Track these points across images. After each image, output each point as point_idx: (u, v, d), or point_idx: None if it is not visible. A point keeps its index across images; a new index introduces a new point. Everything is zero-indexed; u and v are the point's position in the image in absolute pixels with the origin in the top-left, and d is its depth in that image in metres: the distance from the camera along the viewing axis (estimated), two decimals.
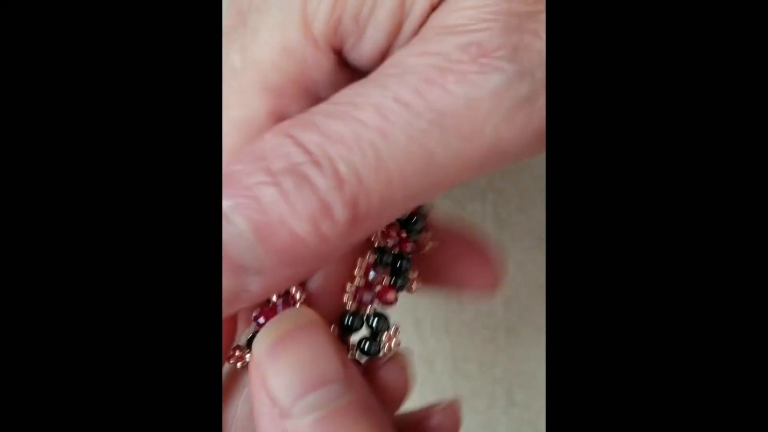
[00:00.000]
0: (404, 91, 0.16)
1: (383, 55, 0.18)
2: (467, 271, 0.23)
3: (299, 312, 0.18)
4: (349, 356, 0.20)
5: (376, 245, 0.20)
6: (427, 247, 0.22)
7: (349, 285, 0.19)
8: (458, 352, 0.34)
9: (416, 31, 0.17)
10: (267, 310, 0.19)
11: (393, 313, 0.33)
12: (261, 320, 0.19)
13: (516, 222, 0.33)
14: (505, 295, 0.34)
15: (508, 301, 0.34)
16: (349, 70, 0.19)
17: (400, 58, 0.16)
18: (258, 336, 0.18)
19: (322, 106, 0.16)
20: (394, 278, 0.21)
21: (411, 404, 0.34)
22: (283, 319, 0.18)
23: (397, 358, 0.21)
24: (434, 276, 0.23)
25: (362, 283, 0.20)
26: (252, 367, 0.17)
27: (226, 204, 0.16)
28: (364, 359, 0.20)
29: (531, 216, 0.33)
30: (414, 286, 0.21)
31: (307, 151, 0.16)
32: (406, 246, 0.21)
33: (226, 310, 0.17)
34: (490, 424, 0.34)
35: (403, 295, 0.21)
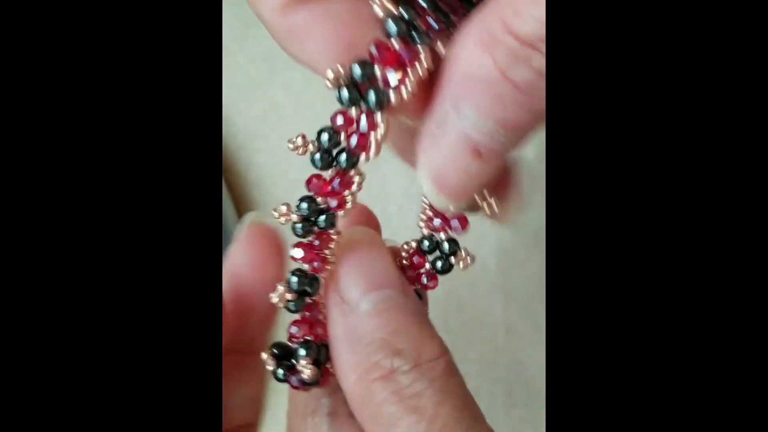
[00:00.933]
0: None
1: None
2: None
3: (363, 229, 0.21)
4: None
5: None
6: None
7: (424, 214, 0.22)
8: (458, 352, 0.34)
9: None
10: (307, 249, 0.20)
11: None
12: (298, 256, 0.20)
13: (516, 222, 0.33)
14: (505, 295, 0.34)
15: (508, 301, 0.34)
16: None
17: None
18: (334, 245, 0.20)
19: None
20: None
21: None
22: (352, 232, 0.21)
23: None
24: None
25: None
26: (327, 275, 0.20)
27: (470, 110, 0.18)
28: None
29: (531, 216, 0.33)
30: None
31: (532, 46, 0.17)
32: None
33: (493, 167, 0.19)
34: (490, 424, 0.34)
35: None
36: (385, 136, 0.20)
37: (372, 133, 0.20)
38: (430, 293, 0.23)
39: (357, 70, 0.19)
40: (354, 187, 0.20)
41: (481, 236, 0.34)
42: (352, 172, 0.20)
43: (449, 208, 0.20)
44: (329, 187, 0.20)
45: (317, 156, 0.20)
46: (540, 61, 0.17)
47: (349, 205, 0.20)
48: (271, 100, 0.35)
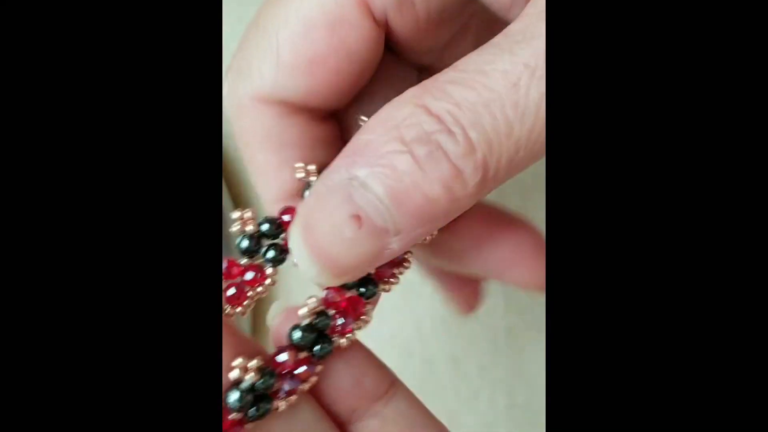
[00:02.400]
0: (531, 56, 0.16)
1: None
2: (503, 258, 0.22)
3: None
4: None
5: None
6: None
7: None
8: (458, 352, 0.34)
9: None
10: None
11: (393, 314, 0.33)
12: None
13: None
14: (505, 295, 0.34)
15: (508, 301, 0.34)
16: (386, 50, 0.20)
17: (524, 22, 0.17)
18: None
19: (450, 74, 0.17)
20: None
21: None
22: None
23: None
24: (456, 259, 0.22)
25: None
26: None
27: (363, 172, 0.17)
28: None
29: (531, 216, 0.33)
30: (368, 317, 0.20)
31: (439, 120, 0.17)
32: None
33: (370, 268, 0.18)
34: (490, 424, 0.34)
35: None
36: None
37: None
38: (430, 292, 0.22)
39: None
40: (260, 288, 0.19)
41: None
42: (269, 271, 0.19)
43: (307, 271, 0.18)
44: (239, 277, 0.19)
45: (244, 241, 0.19)
46: (444, 139, 0.16)
47: (241, 308, 0.19)
48: None
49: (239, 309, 0.19)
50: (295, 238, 0.18)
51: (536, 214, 0.33)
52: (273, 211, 0.20)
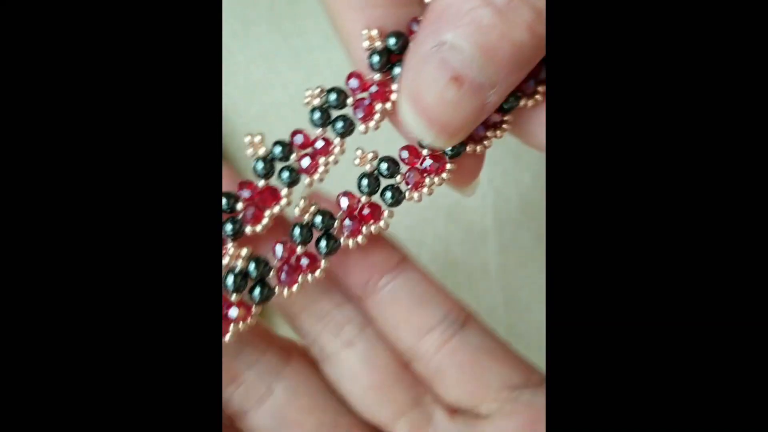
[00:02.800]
0: None
1: None
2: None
3: None
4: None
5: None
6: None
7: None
8: None
9: None
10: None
11: None
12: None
13: (516, 222, 0.33)
14: (505, 295, 0.34)
15: (508, 301, 0.34)
16: None
17: None
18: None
19: None
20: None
21: None
22: None
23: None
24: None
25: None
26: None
27: (450, 35, 0.18)
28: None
29: (531, 216, 0.33)
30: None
31: None
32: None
33: (474, 125, 0.19)
34: None
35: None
36: (391, 112, 0.20)
37: (380, 104, 0.20)
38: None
39: (392, 40, 0.19)
40: (331, 158, 0.20)
41: (482, 235, 0.34)
42: (337, 141, 0.20)
43: (425, 138, 0.19)
44: (309, 148, 0.20)
45: (259, 164, 0.20)
46: None
47: (319, 174, 0.20)
48: (271, 100, 0.35)
49: (257, 228, 0.20)
50: (405, 111, 0.19)
51: (536, 213, 0.33)
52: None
